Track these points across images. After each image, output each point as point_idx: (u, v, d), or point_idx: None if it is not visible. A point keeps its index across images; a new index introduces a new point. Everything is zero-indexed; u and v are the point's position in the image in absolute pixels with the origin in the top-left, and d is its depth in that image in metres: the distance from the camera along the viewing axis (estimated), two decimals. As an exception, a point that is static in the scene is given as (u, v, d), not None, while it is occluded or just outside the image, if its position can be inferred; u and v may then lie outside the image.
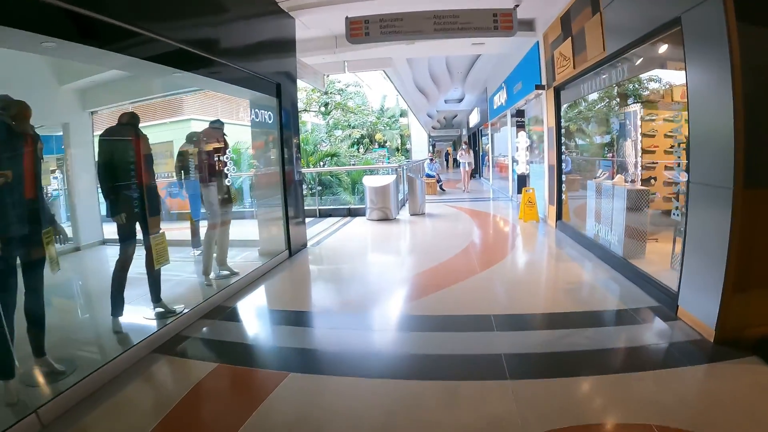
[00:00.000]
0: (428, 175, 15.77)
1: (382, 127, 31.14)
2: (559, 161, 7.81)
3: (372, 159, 25.87)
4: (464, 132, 35.96)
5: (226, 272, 5.48)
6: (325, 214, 10.25)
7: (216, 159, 5.44)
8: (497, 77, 14.06)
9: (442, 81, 16.92)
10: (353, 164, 22.17)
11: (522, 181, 12.34)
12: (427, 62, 13.85)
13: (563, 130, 7.80)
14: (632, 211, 5.47)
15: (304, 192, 17.95)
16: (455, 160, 32.76)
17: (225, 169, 5.59)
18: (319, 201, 10.76)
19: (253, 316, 4.43)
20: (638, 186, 5.87)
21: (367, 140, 32.59)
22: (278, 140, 6.33)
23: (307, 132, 20.51)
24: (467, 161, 15.74)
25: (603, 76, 6.03)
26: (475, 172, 17.49)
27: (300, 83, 10.27)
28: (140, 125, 4.04)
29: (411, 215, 9.84)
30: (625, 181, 6.11)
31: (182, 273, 5.77)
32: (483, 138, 22.09)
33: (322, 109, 25.18)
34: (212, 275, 5.39)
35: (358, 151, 29.10)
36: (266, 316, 4.38)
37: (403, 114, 36.04)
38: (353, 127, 30.61)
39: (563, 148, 7.81)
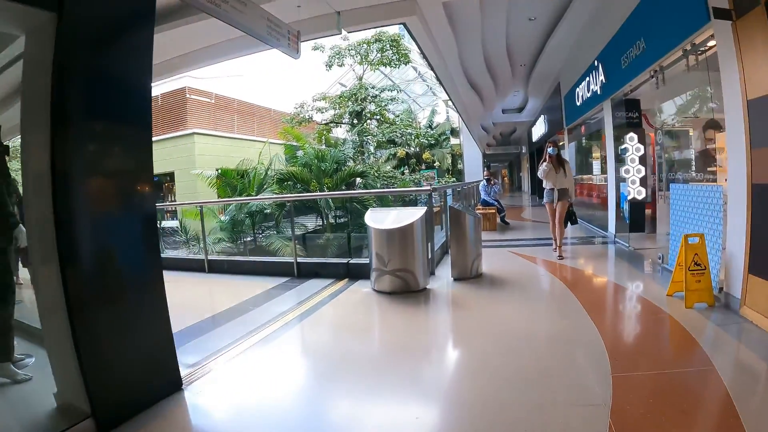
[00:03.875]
0: (484, 203, 11.32)
1: (425, 141, 26.98)
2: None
3: (411, 181, 21.84)
4: (524, 150, 31.30)
5: None
6: (308, 272, 6.07)
7: None
8: (582, 59, 9.59)
9: (500, 71, 12.56)
10: (387, 187, 18.17)
11: (637, 211, 7.80)
12: (480, 37, 9.55)
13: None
14: None
15: (317, 226, 13.95)
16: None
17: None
18: (303, 247, 6.61)
19: None
20: None
21: (414, 160, 28.72)
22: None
23: (326, 149, 16.62)
24: (556, 187, 6.91)
25: None
26: (572, 216, 7.26)
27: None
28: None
29: (455, 280, 5.39)
30: None
31: None
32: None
33: (354, 121, 21.29)
34: None
35: (403, 173, 25.24)
36: None
37: (454, 132, 32.17)
38: (397, 145, 26.71)
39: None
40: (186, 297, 5.72)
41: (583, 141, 12.19)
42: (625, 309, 4.42)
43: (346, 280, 5.68)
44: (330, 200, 12.45)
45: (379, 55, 20.06)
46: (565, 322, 3.80)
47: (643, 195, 7.64)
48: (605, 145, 9.01)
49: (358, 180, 15.94)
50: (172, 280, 6.86)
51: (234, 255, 8.85)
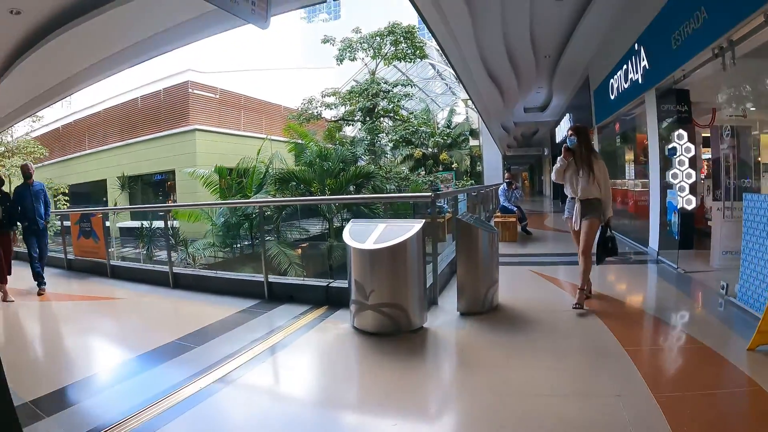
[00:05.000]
0: (504, 210, 10.08)
1: (441, 140, 25.73)
2: None
3: (424, 183, 20.69)
4: (546, 151, 29.77)
5: None
6: (281, 294, 4.93)
7: None
8: (618, 43, 8.28)
9: (523, 62, 11.29)
10: (399, 190, 17.06)
11: (690, 225, 6.53)
12: (500, 20, 8.32)
13: None
14: None
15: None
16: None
17: None
18: (276, 264, 5.50)
19: None
20: None
21: (431, 161, 27.54)
22: None
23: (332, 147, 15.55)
24: (577, 196, 4.38)
25: None
26: (609, 244, 4.52)
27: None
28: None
29: (462, 315, 4.17)
30: None
31: None
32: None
33: (366, 118, 20.11)
34: None
35: (419, 175, 24.11)
36: None
37: (473, 133, 30.85)
38: (414, 145, 25.54)
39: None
40: (124, 324, 4.69)
41: (617, 140, 10.81)
42: (695, 374, 3.11)
43: (326, 308, 4.51)
44: (333, 203, 11.36)
45: (392, 48, 18.87)
46: (615, 400, 2.57)
47: (693, 204, 6.37)
48: (646, 144, 7.70)
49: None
50: (127, 297, 5.76)
51: (202, 269, 7.78)
